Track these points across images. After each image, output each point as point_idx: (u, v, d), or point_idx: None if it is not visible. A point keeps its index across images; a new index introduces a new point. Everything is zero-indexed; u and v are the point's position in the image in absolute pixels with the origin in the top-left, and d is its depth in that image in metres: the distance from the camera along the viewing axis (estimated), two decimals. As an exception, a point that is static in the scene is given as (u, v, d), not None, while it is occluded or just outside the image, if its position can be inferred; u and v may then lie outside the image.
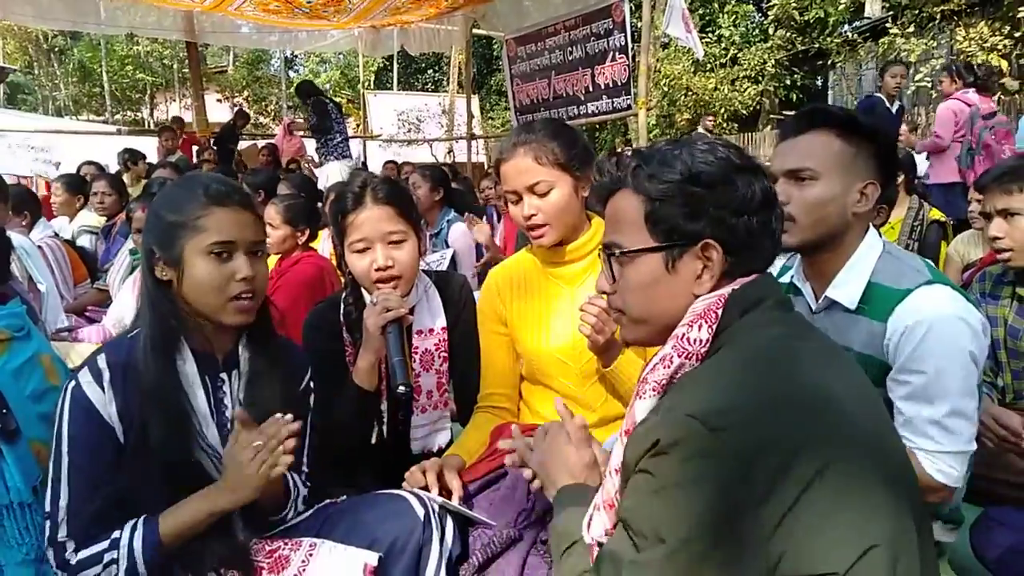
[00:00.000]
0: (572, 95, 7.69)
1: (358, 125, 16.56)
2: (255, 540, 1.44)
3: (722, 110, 14.26)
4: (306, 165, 8.85)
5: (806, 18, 13.62)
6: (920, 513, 0.95)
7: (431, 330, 1.85)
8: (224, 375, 1.45)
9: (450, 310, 1.89)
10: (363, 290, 1.80)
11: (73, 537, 1.30)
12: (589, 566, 1.01)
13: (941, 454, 1.41)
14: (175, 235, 1.36)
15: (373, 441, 1.79)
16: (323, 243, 3.73)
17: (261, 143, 10.27)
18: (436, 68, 23.34)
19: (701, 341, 0.99)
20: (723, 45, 14.73)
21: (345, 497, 1.57)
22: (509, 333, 1.84)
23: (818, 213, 1.49)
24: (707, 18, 15.29)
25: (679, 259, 1.03)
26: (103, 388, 1.32)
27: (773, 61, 14.03)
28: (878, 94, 5.92)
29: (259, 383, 1.46)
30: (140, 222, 3.15)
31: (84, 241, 4.73)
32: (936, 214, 3.74)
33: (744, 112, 14.46)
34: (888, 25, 11.16)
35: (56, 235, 4.05)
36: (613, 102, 7.24)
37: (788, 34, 14.03)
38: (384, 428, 1.81)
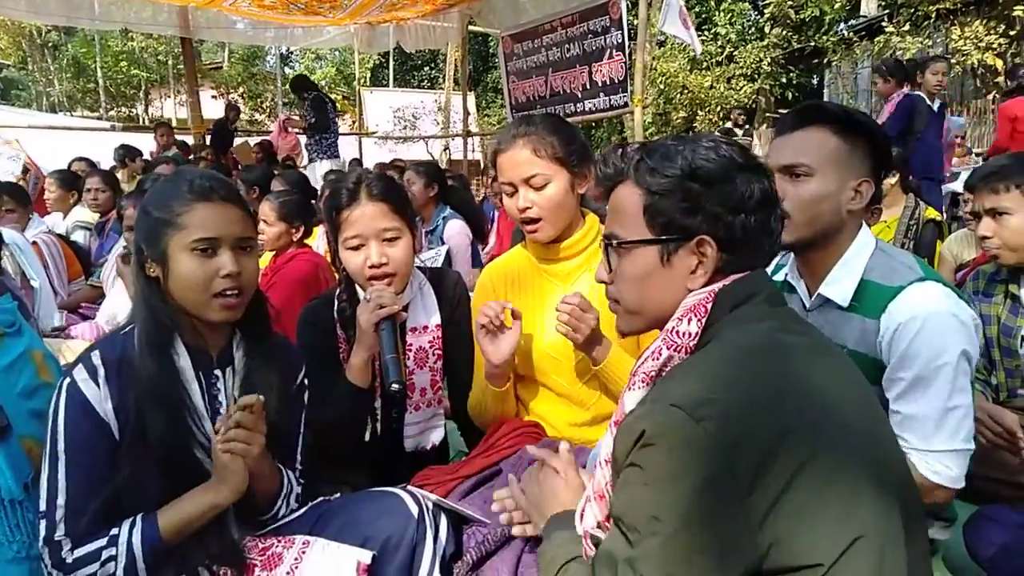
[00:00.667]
0: (569, 92, 7.68)
1: (354, 122, 16.53)
2: (248, 537, 1.43)
3: (718, 108, 14.27)
4: (302, 165, 8.83)
5: (802, 16, 13.63)
6: (912, 507, 0.95)
7: (425, 327, 1.85)
8: (218, 371, 1.45)
9: (445, 307, 1.89)
10: (357, 286, 1.79)
11: (70, 535, 1.29)
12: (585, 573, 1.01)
13: (936, 453, 1.40)
14: (160, 232, 1.35)
15: (366, 438, 1.78)
16: (318, 240, 3.72)
17: (254, 140, 10.24)
18: (432, 65, 23.31)
19: (690, 334, 1.01)
20: (719, 43, 14.74)
21: (339, 495, 1.57)
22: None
23: (813, 210, 1.49)
24: (703, 16, 15.29)
25: (674, 253, 1.05)
26: (98, 384, 1.32)
27: (769, 59, 14.04)
28: (918, 92, 5.52)
29: (253, 380, 1.45)
30: (131, 219, 3.13)
31: (78, 237, 4.72)
32: (932, 213, 3.74)
33: (740, 110, 14.47)
34: (884, 23, 11.18)
35: (50, 231, 4.03)
36: (610, 99, 7.24)
37: (784, 32, 14.04)
38: (377, 425, 1.81)
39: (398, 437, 1.84)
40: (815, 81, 15.30)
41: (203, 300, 1.35)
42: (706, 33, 14.71)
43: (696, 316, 1.01)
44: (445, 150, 14.48)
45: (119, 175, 6.41)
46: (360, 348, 1.69)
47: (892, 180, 3.64)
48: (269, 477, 1.46)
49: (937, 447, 1.40)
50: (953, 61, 9.91)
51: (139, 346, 1.34)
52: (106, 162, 7.31)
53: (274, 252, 3.22)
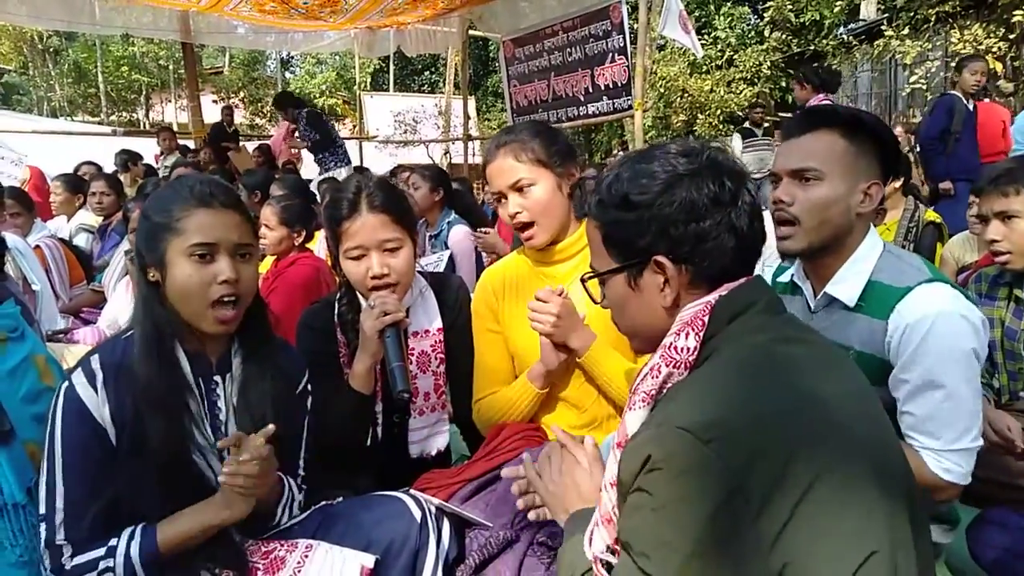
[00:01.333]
0: (572, 96, 7.69)
1: (355, 126, 16.53)
2: (251, 541, 1.43)
3: (717, 111, 14.28)
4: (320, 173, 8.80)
5: (802, 20, 13.65)
6: (918, 514, 0.95)
7: (427, 331, 1.85)
8: (217, 378, 1.44)
9: (447, 312, 1.89)
10: (358, 292, 1.79)
11: (70, 541, 1.29)
12: None
13: (946, 452, 1.40)
14: (159, 236, 1.35)
15: (368, 444, 1.78)
16: (319, 244, 3.72)
17: (252, 145, 10.27)
18: (432, 69, 23.33)
19: (688, 349, 0.99)
20: (719, 47, 14.74)
21: (342, 499, 1.57)
22: (503, 332, 1.84)
23: (823, 214, 1.49)
24: (703, 20, 15.31)
25: (639, 276, 1.06)
26: (96, 390, 1.31)
27: (769, 63, 14.04)
28: (954, 91, 5.45)
29: (251, 387, 1.45)
30: (136, 223, 3.14)
31: (80, 240, 4.73)
32: (932, 216, 3.75)
33: (740, 114, 14.45)
34: (883, 27, 11.19)
35: (53, 235, 4.04)
36: (614, 103, 7.25)
37: (784, 36, 14.05)
38: (379, 430, 1.81)
39: (401, 442, 1.84)
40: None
41: (200, 308, 1.35)
42: (706, 37, 14.72)
43: (694, 330, 0.99)
44: (446, 154, 14.47)
45: (122, 179, 6.41)
46: (364, 355, 1.68)
47: (896, 183, 3.65)
48: (271, 489, 1.46)
49: (950, 446, 1.40)
50: (953, 64, 9.92)
51: (138, 351, 1.34)
52: (107, 167, 7.31)
53: (275, 256, 3.23)
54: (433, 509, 1.48)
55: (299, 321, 1.89)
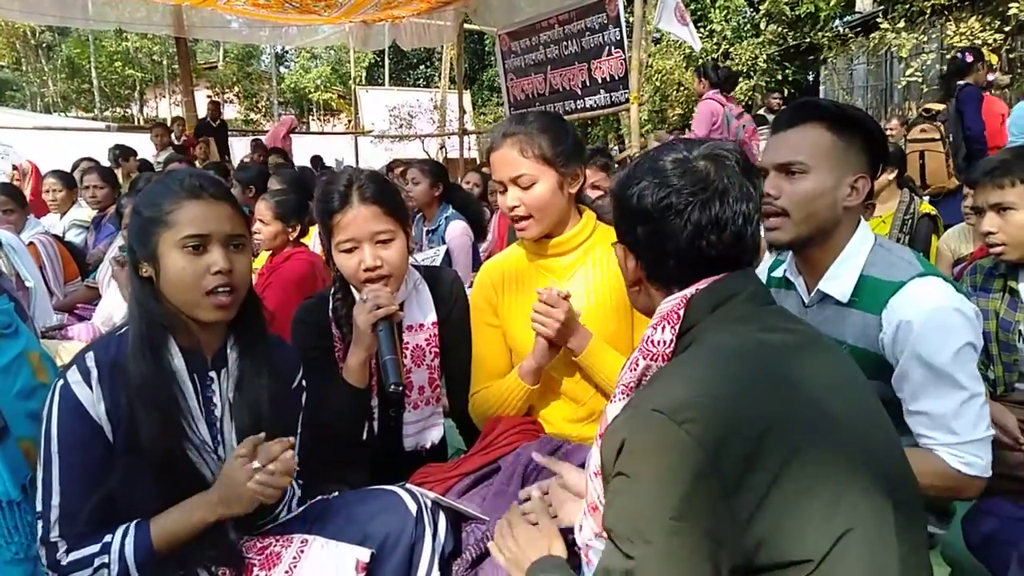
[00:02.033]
0: (569, 89, 7.69)
1: (349, 121, 16.49)
2: (246, 537, 1.43)
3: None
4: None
5: (797, 13, 13.63)
6: (908, 500, 0.95)
7: (422, 325, 1.85)
8: (213, 373, 1.44)
9: (441, 305, 1.88)
10: (352, 286, 1.78)
11: (65, 538, 1.29)
12: None
13: (963, 444, 1.40)
14: (150, 230, 1.34)
15: (364, 438, 1.78)
16: (315, 239, 3.71)
17: (246, 140, 10.28)
18: (428, 63, 23.27)
19: (665, 343, 1.03)
20: (715, 40, 14.73)
21: (337, 493, 1.57)
22: (501, 326, 1.84)
23: (809, 207, 1.49)
24: (699, 13, 15.27)
25: (620, 252, 1.15)
26: (91, 387, 1.30)
27: (765, 56, 14.04)
28: (970, 83, 5.35)
29: (247, 382, 1.44)
30: (128, 218, 3.12)
31: (73, 236, 4.71)
32: (926, 208, 3.75)
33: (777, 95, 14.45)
34: (879, 19, 11.19)
35: (47, 232, 4.02)
36: (611, 96, 7.25)
37: (779, 29, 14.04)
38: (375, 425, 1.80)
39: (396, 436, 1.84)
40: (811, 78, 15.29)
41: (195, 298, 1.34)
42: (702, 30, 14.69)
43: (669, 324, 1.02)
44: (441, 148, 14.46)
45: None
46: (357, 349, 1.68)
47: (890, 175, 3.65)
48: None
49: (966, 438, 1.40)
50: (948, 57, 9.92)
51: (132, 347, 1.33)
52: (103, 163, 7.28)
53: (270, 251, 3.22)
54: (429, 503, 1.48)
55: (293, 316, 1.88)
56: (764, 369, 0.95)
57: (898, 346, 1.43)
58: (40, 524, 1.29)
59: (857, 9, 13.25)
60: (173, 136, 9.01)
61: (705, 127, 5.63)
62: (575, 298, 1.64)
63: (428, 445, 1.88)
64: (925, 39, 10.93)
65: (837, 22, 13.40)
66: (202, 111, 10.70)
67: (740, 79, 14.18)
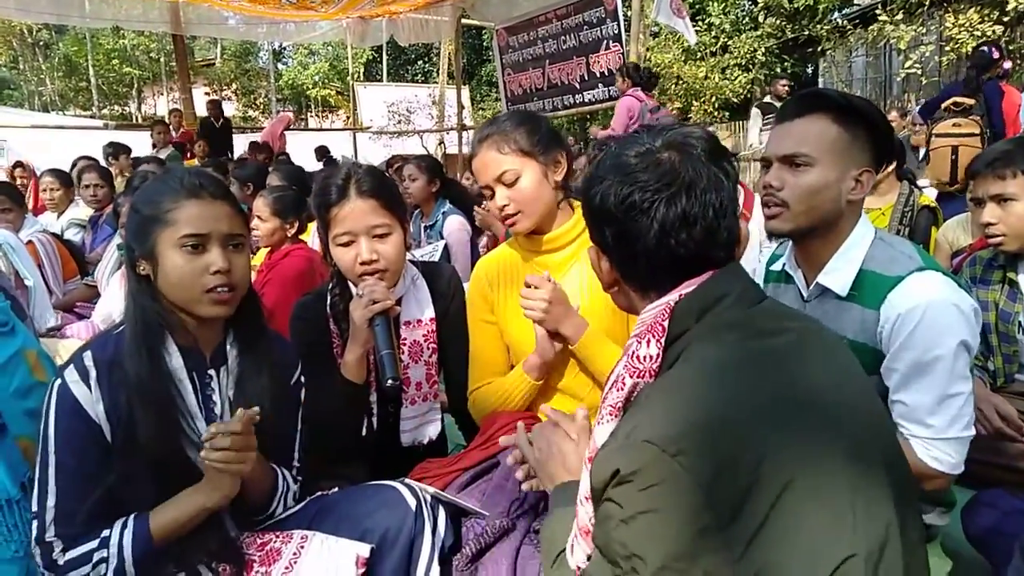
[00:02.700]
0: (567, 84, 7.69)
1: (348, 117, 16.46)
2: (246, 533, 1.43)
3: (712, 98, 14.25)
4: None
5: (796, 5, 13.60)
6: (907, 496, 0.94)
7: (419, 321, 1.84)
8: (212, 371, 1.44)
9: (439, 301, 1.88)
10: (349, 281, 1.78)
11: (61, 537, 1.28)
12: None
13: (935, 440, 1.40)
14: (149, 229, 1.34)
15: (363, 433, 1.78)
16: (313, 235, 3.70)
17: (244, 138, 10.26)
18: (426, 59, 23.22)
19: (651, 357, 0.96)
20: (713, 33, 14.69)
21: (336, 489, 1.57)
22: (498, 322, 1.84)
23: (812, 200, 1.48)
24: (697, 6, 15.24)
25: (592, 257, 1.11)
26: (90, 386, 1.30)
27: (763, 49, 14.01)
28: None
29: (247, 379, 1.44)
30: (126, 217, 3.12)
31: (72, 235, 4.70)
32: (926, 200, 3.74)
33: (735, 100, 14.45)
34: (878, 12, 11.16)
35: (45, 230, 4.02)
36: (609, 90, 7.26)
37: (778, 22, 14.00)
38: (374, 420, 1.80)
39: (395, 431, 1.84)
40: (809, 70, 15.28)
41: (194, 296, 1.34)
42: (700, 23, 14.66)
43: (654, 336, 0.96)
44: (440, 144, 14.44)
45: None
46: (354, 344, 1.68)
47: (889, 167, 3.64)
48: (262, 479, 1.46)
49: (938, 435, 1.40)
50: (948, 49, 9.91)
51: (129, 345, 1.33)
52: (103, 161, 7.27)
53: (269, 248, 3.21)
54: (428, 498, 1.48)
55: (291, 313, 1.88)
56: (759, 384, 0.90)
57: (893, 337, 1.43)
58: (36, 524, 1.29)
59: (855, 1, 13.22)
60: (171, 129, 9.01)
61: (622, 122, 5.98)
62: (570, 295, 1.64)
63: (426, 440, 1.88)
64: (924, 31, 10.91)
65: (836, 14, 13.37)
66: (200, 108, 10.69)
67: (739, 72, 14.17)
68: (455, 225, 4.23)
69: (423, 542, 1.42)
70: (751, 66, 14.18)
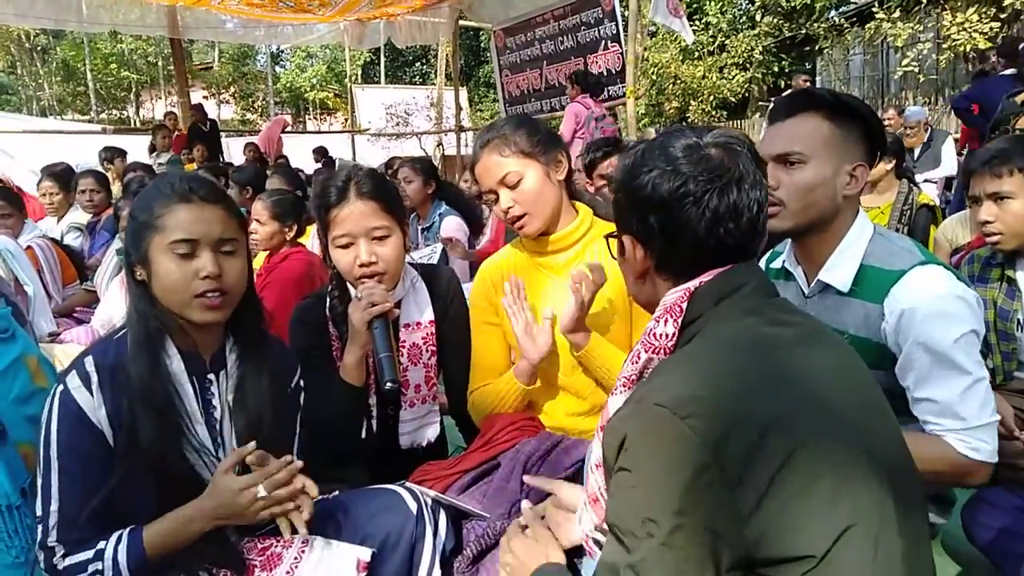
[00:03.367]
0: (565, 85, 7.68)
1: (346, 120, 16.46)
2: (247, 538, 1.43)
3: (710, 97, 14.26)
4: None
5: (793, 4, 13.62)
6: (910, 492, 0.94)
7: (418, 324, 1.84)
8: (212, 376, 1.43)
9: (438, 303, 1.88)
10: (348, 284, 1.78)
11: (63, 542, 1.28)
12: None
13: (970, 430, 1.40)
14: (142, 235, 1.34)
15: (363, 436, 1.78)
16: (312, 238, 3.70)
17: (241, 141, 10.25)
18: (423, 61, 23.23)
19: (667, 336, 1.02)
20: (711, 32, 14.72)
21: (337, 493, 1.56)
22: (501, 324, 1.84)
23: (808, 197, 1.49)
24: (694, 6, 15.26)
25: (621, 245, 1.12)
26: (91, 392, 1.30)
27: (761, 48, 14.03)
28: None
29: (247, 384, 1.44)
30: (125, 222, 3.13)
31: (71, 239, 4.69)
32: (925, 198, 3.75)
33: (732, 99, 14.47)
34: (875, 10, 11.18)
35: (44, 235, 4.01)
36: (608, 91, 7.25)
37: (775, 20, 14.03)
38: (373, 423, 1.80)
39: (394, 434, 1.84)
40: (807, 69, 15.30)
41: (184, 301, 1.33)
42: (697, 23, 14.68)
43: (672, 316, 1.02)
44: (438, 146, 14.44)
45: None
46: (353, 346, 1.68)
47: (888, 166, 3.65)
48: None
49: (972, 423, 1.40)
50: (945, 47, 9.92)
51: (130, 349, 1.33)
52: (97, 165, 7.26)
53: (268, 251, 3.21)
54: (429, 501, 1.48)
55: (291, 316, 1.88)
56: (768, 364, 0.94)
57: (901, 334, 1.43)
58: (39, 528, 1.29)
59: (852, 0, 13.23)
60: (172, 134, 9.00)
61: (570, 128, 6.19)
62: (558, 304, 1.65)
63: (424, 443, 1.88)
64: (921, 29, 10.92)
65: (833, 13, 13.40)
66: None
67: (736, 71, 14.19)
68: (452, 226, 4.22)
69: (424, 546, 1.42)
70: (748, 65, 14.20)
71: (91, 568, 1.27)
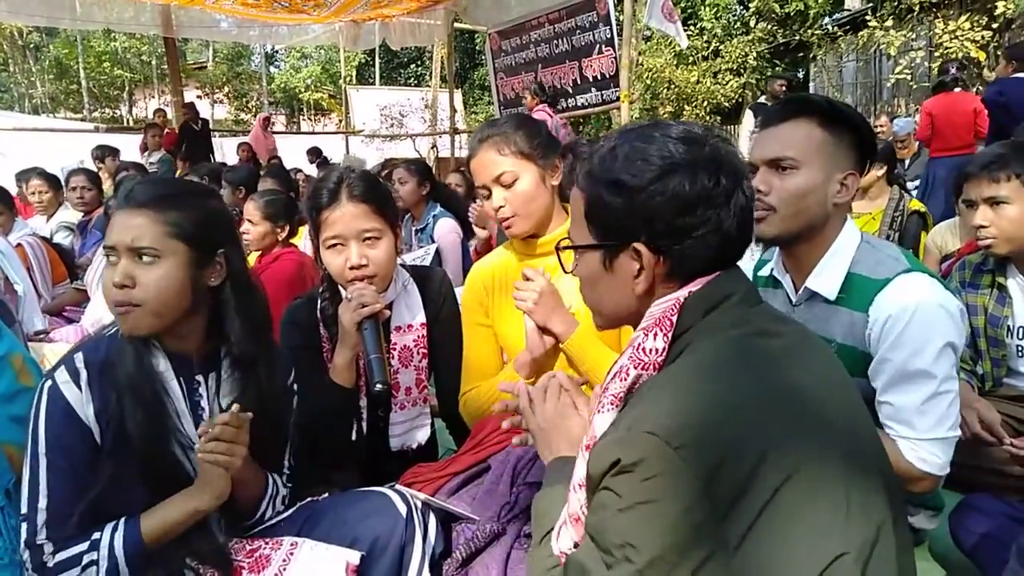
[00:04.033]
0: (560, 88, 7.69)
1: (340, 121, 16.44)
2: (235, 540, 1.42)
3: (704, 102, 14.30)
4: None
5: (787, 11, 13.68)
6: (895, 500, 0.94)
7: (410, 326, 1.84)
8: (200, 377, 1.43)
9: (430, 306, 1.88)
10: (339, 285, 1.78)
11: (51, 539, 1.28)
12: (558, 566, 0.99)
13: (922, 441, 1.41)
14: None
15: (352, 438, 1.77)
16: (305, 239, 3.69)
17: (235, 141, 10.21)
18: (418, 62, 23.22)
19: (657, 351, 0.97)
20: (705, 38, 14.75)
21: (326, 495, 1.56)
22: (492, 326, 1.83)
23: (799, 204, 1.49)
24: (688, 11, 15.31)
25: (615, 258, 1.01)
26: (80, 388, 1.30)
27: (755, 54, 14.07)
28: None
29: (239, 386, 1.43)
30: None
31: (61, 238, 4.67)
32: (916, 205, 3.76)
33: (726, 105, 14.51)
34: (868, 17, 11.24)
35: (34, 233, 3.99)
36: (602, 94, 7.27)
37: (769, 27, 14.08)
38: (363, 425, 1.80)
39: (385, 436, 1.84)
40: (800, 75, 15.37)
41: (113, 310, 1.32)
42: (692, 28, 14.72)
43: (662, 330, 0.96)
44: (433, 147, 14.44)
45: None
46: (343, 348, 1.67)
47: (879, 172, 3.66)
48: (252, 482, 1.45)
49: (925, 435, 1.41)
50: (937, 54, 9.98)
51: (120, 345, 1.33)
52: (90, 163, 7.23)
53: (260, 252, 3.20)
54: (419, 504, 1.47)
55: (282, 317, 1.87)
56: (760, 383, 0.91)
57: (881, 339, 1.43)
58: (25, 527, 1.28)
59: (846, 7, 13.31)
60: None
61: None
62: (565, 298, 1.64)
63: (414, 445, 1.87)
64: (914, 36, 10.99)
65: (826, 20, 13.46)
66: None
67: (730, 76, 14.25)
68: (446, 228, 4.22)
69: (414, 549, 1.42)
70: (742, 71, 14.25)
71: (85, 559, 1.26)
